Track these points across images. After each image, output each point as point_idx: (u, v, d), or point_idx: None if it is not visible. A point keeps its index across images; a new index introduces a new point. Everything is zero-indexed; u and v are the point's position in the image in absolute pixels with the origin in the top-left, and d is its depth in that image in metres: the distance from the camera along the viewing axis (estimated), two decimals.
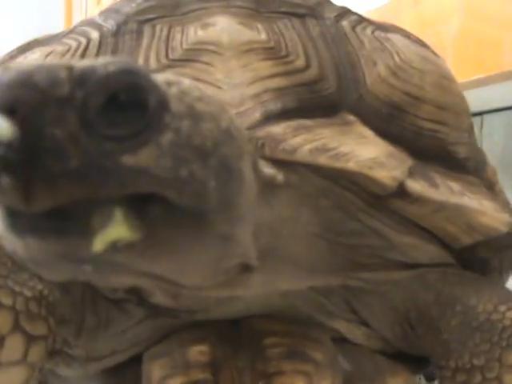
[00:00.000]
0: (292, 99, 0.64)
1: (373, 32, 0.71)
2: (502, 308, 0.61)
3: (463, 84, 0.77)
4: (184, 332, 0.64)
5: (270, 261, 0.58)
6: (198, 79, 0.62)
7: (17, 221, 0.40)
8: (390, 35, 0.72)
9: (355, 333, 0.68)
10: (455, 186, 0.65)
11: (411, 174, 0.62)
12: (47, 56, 0.69)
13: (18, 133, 0.38)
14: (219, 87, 0.63)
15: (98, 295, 0.64)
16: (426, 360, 0.70)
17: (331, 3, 0.75)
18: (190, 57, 0.65)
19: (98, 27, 0.72)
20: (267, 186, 0.56)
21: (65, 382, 0.71)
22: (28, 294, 0.58)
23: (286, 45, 0.67)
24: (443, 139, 0.68)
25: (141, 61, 0.66)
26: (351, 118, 0.65)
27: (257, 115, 0.62)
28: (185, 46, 0.66)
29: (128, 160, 0.41)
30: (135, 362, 0.65)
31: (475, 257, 0.70)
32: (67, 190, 0.39)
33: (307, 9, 0.72)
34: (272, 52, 0.66)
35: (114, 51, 0.68)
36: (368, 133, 0.64)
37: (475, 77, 1.63)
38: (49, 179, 0.38)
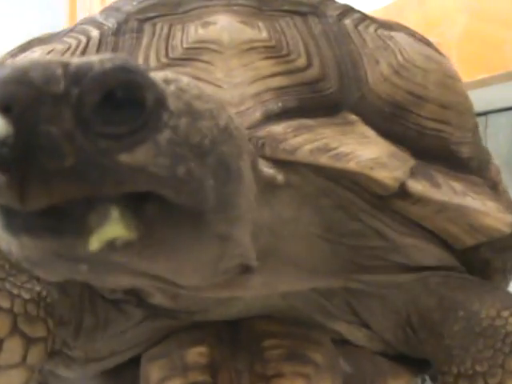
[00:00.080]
0: (293, 98, 0.63)
1: (376, 30, 0.71)
2: (505, 313, 0.61)
3: (468, 84, 0.77)
4: (183, 333, 0.64)
5: (270, 262, 0.57)
6: (198, 78, 0.62)
7: (12, 220, 0.40)
8: (393, 33, 0.71)
9: (356, 335, 0.67)
10: (458, 186, 0.64)
11: (413, 174, 0.61)
12: (47, 54, 0.69)
13: (13, 130, 0.37)
14: (219, 86, 0.62)
15: (96, 296, 0.64)
16: (428, 362, 0.69)
17: (334, 1, 0.74)
18: (191, 56, 0.65)
19: (99, 26, 0.71)
20: (267, 187, 0.56)
21: (64, 383, 0.71)
22: (26, 296, 0.58)
23: (288, 43, 0.66)
24: (446, 139, 0.68)
25: (141, 60, 0.65)
26: (353, 117, 0.64)
27: (257, 115, 0.61)
28: (185, 45, 0.66)
29: (125, 158, 0.40)
30: (134, 363, 0.65)
31: (478, 258, 0.69)
32: (63, 188, 0.38)
33: (310, 7, 0.72)
34: (273, 51, 0.65)
35: (115, 50, 0.68)
36: (370, 132, 0.63)
37: (480, 77, 1.63)
38: (44, 177, 0.38)
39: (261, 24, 0.68)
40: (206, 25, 0.67)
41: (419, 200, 0.61)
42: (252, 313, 0.65)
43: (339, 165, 0.59)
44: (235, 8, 0.70)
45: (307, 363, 0.62)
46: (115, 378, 0.67)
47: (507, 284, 0.79)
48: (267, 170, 0.56)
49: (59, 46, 0.70)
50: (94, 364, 0.66)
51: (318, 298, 0.65)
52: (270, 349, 0.62)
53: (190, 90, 0.46)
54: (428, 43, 0.75)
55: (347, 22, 0.71)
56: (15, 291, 0.58)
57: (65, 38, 0.71)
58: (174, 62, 0.65)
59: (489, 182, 0.71)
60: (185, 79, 0.47)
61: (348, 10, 0.73)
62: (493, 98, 1.70)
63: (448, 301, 0.64)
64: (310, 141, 0.60)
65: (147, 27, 0.69)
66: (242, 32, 0.66)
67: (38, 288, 0.59)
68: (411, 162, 0.63)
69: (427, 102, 0.67)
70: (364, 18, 0.72)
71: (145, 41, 0.67)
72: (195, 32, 0.66)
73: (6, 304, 0.57)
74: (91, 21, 0.73)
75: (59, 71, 0.39)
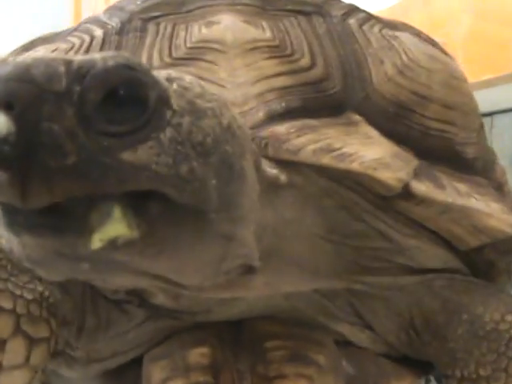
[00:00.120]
0: (296, 98, 0.63)
1: (380, 30, 0.71)
2: (509, 318, 0.61)
3: (473, 84, 0.76)
4: (185, 334, 0.64)
5: (273, 262, 0.57)
6: (201, 78, 0.61)
7: (13, 218, 0.40)
8: (398, 33, 0.71)
9: (359, 336, 0.67)
10: (462, 187, 0.64)
11: (417, 175, 0.61)
12: (51, 54, 0.69)
13: (15, 128, 0.37)
14: (223, 86, 0.62)
15: (98, 296, 0.64)
16: (432, 363, 0.69)
17: (339, 1, 0.74)
18: (194, 55, 0.65)
19: (102, 25, 0.71)
20: (270, 187, 0.56)
21: (67, 383, 0.71)
22: (28, 296, 0.58)
23: (292, 43, 0.66)
24: (451, 139, 0.67)
25: (144, 59, 0.65)
26: (357, 117, 0.64)
27: (260, 115, 0.61)
28: (188, 45, 0.65)
29: (127, 156, 0.40)
30: (136, 363, 0.65)
31: (482, 259, 0.69)
32: (64, 186, 0.38)
33: (314, 6, 0.71)
34: (277, 50, 0.65)
35: (118, 49, 0.68)
36: (373, 133, 0.63)
37: (485, 77, 1.62)
38: (45, 175, 0.38)
39: (264, 23, 0.67)
40: (209, 24, 0.67)
41: (423, 201, 0.61)
42: (254, 313, 0.64)
43: (342, 165, 0.58)
44: (239, 7, 0.69)
45: (310, 364, 0.61)
46: (117, 378, 0.67)
47: None
48: (270, 170, 0.56)
49: (63, 46, 0.70)
50: (96, 364, 0.66)
51: (321, 299, 0.65)
52: (273, 350, 0.62)
53: (193, 88, 0.46)
54: (433, 43, 0.75)
55: (352, 21, 0.71)
56: (18, 292, 0.58)
57: (68, 38, 0.71)
58: (177, 62, 0.65)
59: (494, 182, 0.70)
60: (187, 78, 0.47)
61: (353, 10, 0.72)
62: (498, 99, 1.69)
63: (452, 304, 0.64)
64: (313, 141, 0.59)
65: (151, 27, 0.69)
66: (246, 31, 0.66)
67: (40, 288, 0.59)
68: (415, 162, 0.62)
69: (431, 103, 0.66)
70: (369, 17, 0.72)
71: (148, 40, 0.67)
72: (199, 31, 0.66)
73: (8, 305, 0.57)
74: (95, 20, 0.73)
75: (61, 69, 0.39)
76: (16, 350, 0.57)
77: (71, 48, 0.69)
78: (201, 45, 0.65)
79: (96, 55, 0.41)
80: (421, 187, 0.60)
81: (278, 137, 0.59)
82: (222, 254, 0.49)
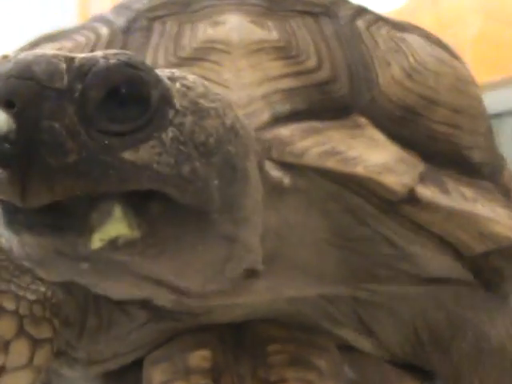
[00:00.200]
0: (302, 100, 0.62)
1: (388, 32, 0.70)
2: None
3: (481, 85, 0.76)
4: (186, 336, 0.63)
5: (276, 266, 0.56)
6: (205, 78, 0.61)
7: (13, 217, 0.40)
8: (405, 35, 0.70)
9: (363, 342, 0.66)
10: (468, 192, 0.63)
11: (422, 179, 0.60)
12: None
13: (15, 125, 0.37)
14: (227, 87, 0.62)
15: (100, 297, 0.63)
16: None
17: (347, 2, 0.73)
18: (199, 55, 0.64)
19: (109, 24, 0.71)
20: (274, 190, 0.55)
21: (68, 383, 0.71)
22: (31, 297, 0.58)
23: (298, 44, 0.66)
24: (458, 143, 0.66)
25: (149, 59, 0.65)
26: (362, 120, 0.63)
27: (265, 116, 0.60)
28: (194, 45, 0.65)
29: (129, 156, 0.40)
30: (137, 366, 0.64)
31: (488, 265, 0.68)
32: (65, 185, 0.38)
33: (322, 7, 0.71)
34: (283, 51, 0.65)
35: (123, 48, 0.67)
36: (379, 136, 0.62)
37: (494, 78, 1.62)
38: (46, 173, 0.38)
39: (271, 24, 0.67)
40: (215, 24, 0.66)
41: (428, 206, 0.60)
42: (257, 316, 0.64)
43: (347, 169, 0.58)
44: (245, 7, 0.69)
45: (311, 369, 0.61)
46: (117, 380, 0.67)
47: None
48: (274, 172, 0.56)
49: (68, 44, 0.69)
50: (96, 365, 0.66)
51: (326, 304, 0.64)
52: (274, 354, 0.61)
53: (196, 87, 0.46)
54: (442, 45, 0.74)
55: (359, 23, 0.70)
56: (21, 293, 0.57)
57: (74, 36, 0.71)
58: (182, 62, 0.64)
59: (501, 188, 0.69)
60: (191, 77, 0.47)
61: (360, 11, 0.72)
62: (507, 100, 1.69)
63: (457, 318, 0.63)
64: (317, 144, 0.59)
65: (156, 26, 0.68)
66: (252, 32, 0.65)
67: (42, 289, 0.59)
68: (420, 167, 0.62)
69: (439, 106, 0.66)
70: (377, 19, 0.71)
71: (154, 39, 0.67)
72: (204, 31, 0.66)
73: (11, 306, 0.56)
74: (101, 18, 0.73)
75: (63, 66, 0.39)
76: (19, 351, 0.56)
77: (76, 47, 0.68)
78: (206, 45, 0.65)
79: (98, 53, 0.41)
80: (426, 192, 0.59)
81: (282, 139, 0.59)
82: (225, 255, 0.49)
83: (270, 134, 0.59)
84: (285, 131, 0.59)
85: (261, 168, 0.52)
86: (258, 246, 0.52)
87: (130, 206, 0.40)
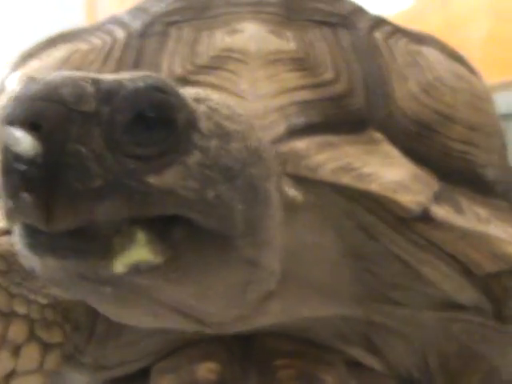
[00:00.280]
0: (318, 113, 0.62)
1: (406, 45, 0.69)
2: None
3: (490, 86, 0.75)
4: (194, 347, 0.63)
5: (290, 285, 0.56)
6: (222, 88, 0.60)
7: (36, 239, 0.39)
8: (423, 48, 0.70)
9: (371, 361, 0.66)
10: (482, 211, 0.63)
11: (436, 198, 0.60)
12: (72, 55, 0.67)
13: (41, 148, 0.37)
14: (243, 97, 0.61)
15: None
16: None
17: (365, 12, 0.72)
18: (216, 64, 0.63)
19: (125, 27, 0.70)
20: (288, 208, 0.55)
21: None
22: (43, 301, 0.58)
23: (316, 56, 0.65)
24: (473, 161, 0.66)
25: (165, 65, 0.64)
26: (378, 135, 0.63)
27: (281, 129, 0.60)
28: (211, 53, 0.64)
29: (154, 180, 0.40)
30: (143, 375, 0.64)
31: (500, 285, 0.68)
32: (89, 209, 0.38)
33: (340, 17, 0.70)
34: (300, 63, 0.64)
35: (139, 53, 0.66)
36: (394, 153, 0.62)
37: (503, 79, 1.61)
38: (71, 198, 0.37)
39: (289, 34, 0.66)
40: (233, 33, 0.66)
41: (441, 225, 0.60)
42: (267, 329, 0.64)
43: (361, 186, 0.58)
44: (263, 16, 0.68)
45: None
46: None
47: None
48: (289, 190, 0.55)
49: (84, 46, 0.69)
50: (102, 372, 0.66)
51: (339, 323, 0.64)
52: (281, 368, 0.61)
53: (221, 109, 0.46)
54: (459, 59, 0.73)
55: (377, 34, 0.69)
56: (32, 296, 0.57)
57: (90, 38, 0.70)
58: (199, 70, 0.63)
59: None
60: (215, 97, 0.47)
61: (379, 23, 0.71)
62: None
63: (468, 351, 0.63)
64: (332, 159, 0.58)
65: (173, 31, 0.67)
66: (270, 42, 0.65)
67: (54, 292, 0.59)
68: (435, 185, 0.61)
69: (455, 123, 0.65)
70: (395, 31, 0.71)
71: (170, 45, 0.66)
72: (222, 40, 0.65)
73: (22, 310, 0.56)
74: (117, 21, 0.72)
75: (90, 89, 0.39)
76: (30, 355, 0.56)
77: (92, 50, 0.68)
78: (223, 53, 0.64)
79: (125, 75, 0.41)
80: (440, 211, 0.59)
81: (298, 152, 0.58)
82: (247, 278, 0.49)
83: (285, 147, 0.58)
84: (300, 144, 0.59)
85: (279, 187, 0.52)
86: (277, 268, 0.51)
87: (154, 231, 0.40)
